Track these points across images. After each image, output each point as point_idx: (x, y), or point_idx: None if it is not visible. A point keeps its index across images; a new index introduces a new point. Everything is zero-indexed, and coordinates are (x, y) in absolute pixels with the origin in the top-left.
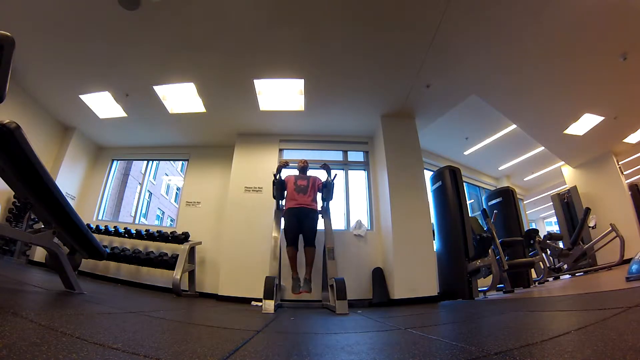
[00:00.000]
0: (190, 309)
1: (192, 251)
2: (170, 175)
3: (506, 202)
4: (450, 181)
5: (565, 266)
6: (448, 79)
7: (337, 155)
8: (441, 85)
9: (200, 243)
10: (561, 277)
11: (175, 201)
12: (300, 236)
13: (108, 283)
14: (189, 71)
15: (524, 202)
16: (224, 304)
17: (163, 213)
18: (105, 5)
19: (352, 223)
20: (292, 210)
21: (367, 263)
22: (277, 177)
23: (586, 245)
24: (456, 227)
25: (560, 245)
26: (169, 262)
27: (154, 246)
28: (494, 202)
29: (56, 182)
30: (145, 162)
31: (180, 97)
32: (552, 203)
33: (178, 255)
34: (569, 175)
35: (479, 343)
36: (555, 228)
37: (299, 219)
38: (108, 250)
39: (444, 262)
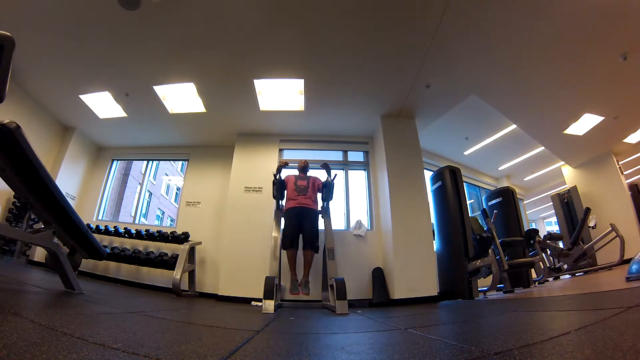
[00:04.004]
0: (190, 309)
1: (192, 251)
2: (170, 175)
3: (506, 202)
4: (450, 181)
5: (565, 266)
6: (448, 79)
7: (337, 155)
8: (441, 85)
9: (200, 243)
10: (561, 277)
11: (175, 201)
12: (301, 237)
13: (108, 283)
14: (189, 71)
15: (524, 202)
16: (224, 304)
17: (163, 213)
18: (105, 5)
19: (352, 223)
20: (292, 210)
21: (367, 263)
22: (277, 177)
23: (586, 245)
24: (456, 227)
25: (560, 245)
26: (169, 262)
27: (154, 246)
28: (494, 202)
29: (56, 182)
30: (145, 162)
31: (180, 97)
32: (552, 203)
33: (178, 255)
34: (569, 175)
35: (479, 343)
36: (555, 228)
37: (299, 219)
38: (108, 250)
39: (444, 262)
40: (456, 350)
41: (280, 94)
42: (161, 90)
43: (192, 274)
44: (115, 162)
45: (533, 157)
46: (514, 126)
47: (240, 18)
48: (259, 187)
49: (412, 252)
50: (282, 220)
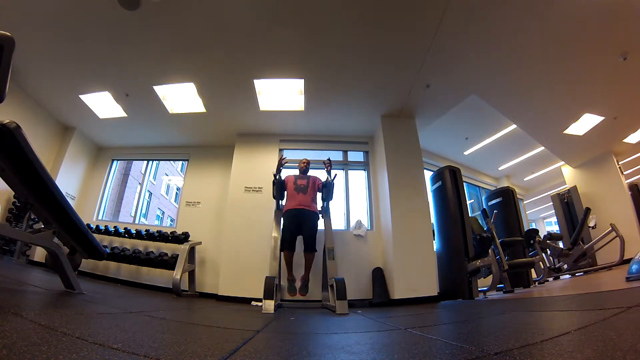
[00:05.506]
0: (190, 309)
1: (192, 251)
2: (170, 175)
3: (506, 202)
4: (450, 181)
5: (565, 266)
6: (448, 79)
7: (337, 155)
8: (441, 85)
9: (200, 243)
10: (561, 277)
11: (175, 201)
12: (300, 239)
13: (108, 283)
14: (189, 71)
15: (524, 202)
16: (224, 304)
17: (163, 213)
18: (105, 5)
19: (352, 223)
20: (291, 212)
21: (367, 263)
22: (277, 177)
23: (586, 245)
24: (456, 227)
25: (560, 245)
26: (169, 262)
27: (154, 246)
28: (494, 202)
29: (56, 182)
30: (145, 162)
31: (180, 97)
32: (552, 203)
33: (178, 255)
34: (569, 175)
35: (479, 343)
36: (555, 228)
37: (298, 221)
38: (108, 250)
39: (444, 262)
40: (456, 350)
41: (280, 94)
42: (161, 90)
43: (192, 274)
44: (115, 162)
45: (533, 157)
46: (514, 126)
47: (240, 18)
48: (259, 187)
49: (412, 252)
50: (282, 220)
